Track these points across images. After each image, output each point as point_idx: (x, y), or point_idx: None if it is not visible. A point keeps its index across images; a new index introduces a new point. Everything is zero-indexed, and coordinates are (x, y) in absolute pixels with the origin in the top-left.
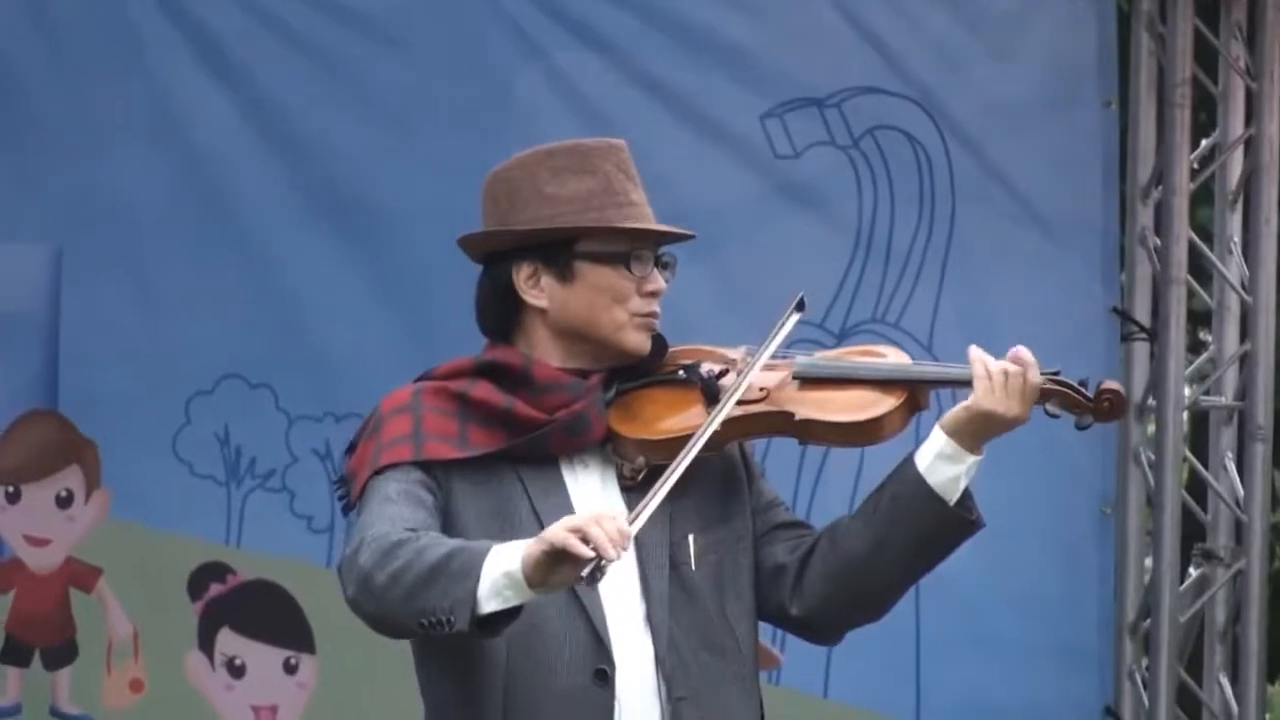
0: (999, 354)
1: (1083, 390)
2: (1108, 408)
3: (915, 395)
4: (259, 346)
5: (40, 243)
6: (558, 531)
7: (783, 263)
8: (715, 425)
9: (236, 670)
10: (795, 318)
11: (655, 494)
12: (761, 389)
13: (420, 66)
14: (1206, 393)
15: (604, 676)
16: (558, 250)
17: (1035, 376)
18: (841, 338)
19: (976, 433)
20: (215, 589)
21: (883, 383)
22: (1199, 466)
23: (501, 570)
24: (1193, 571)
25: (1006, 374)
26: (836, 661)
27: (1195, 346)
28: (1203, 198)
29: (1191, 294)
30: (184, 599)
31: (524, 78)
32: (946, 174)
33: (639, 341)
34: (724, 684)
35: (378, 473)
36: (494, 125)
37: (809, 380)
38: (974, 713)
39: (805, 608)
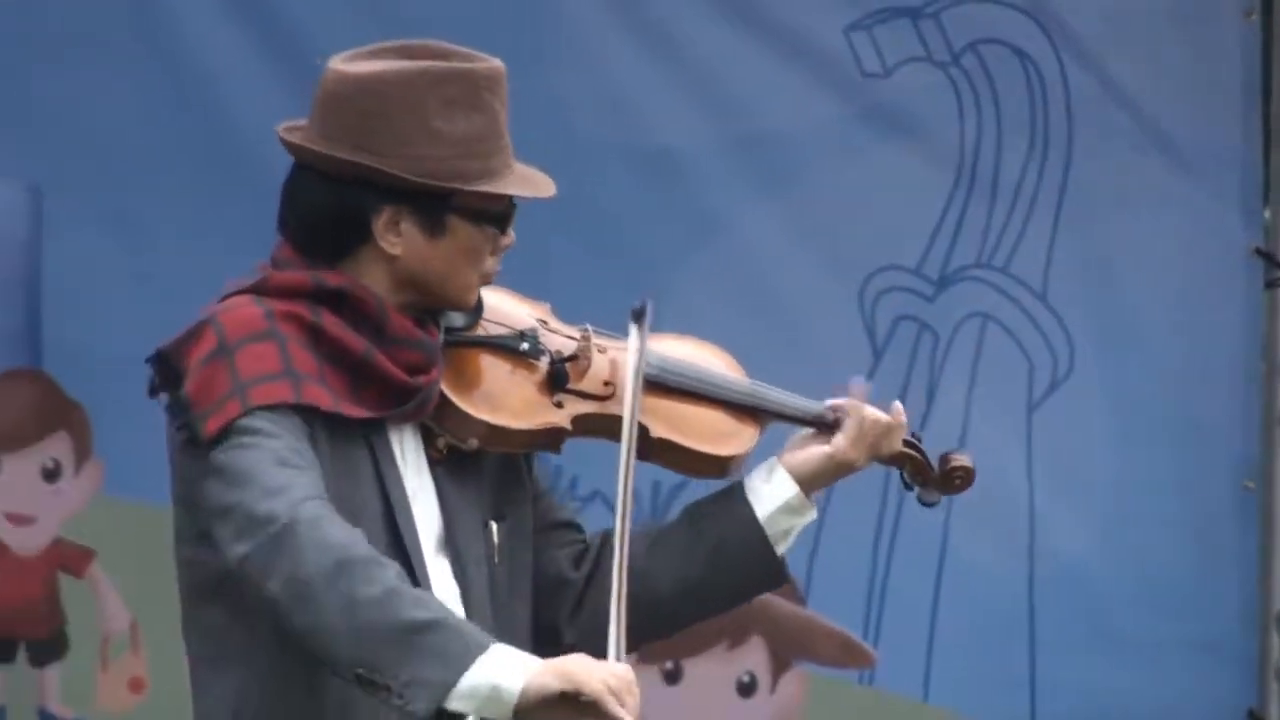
0: (1121, 306)
1: (930, 460)
2: (959, 484)
3: (764, 425)
4: None
5: (15, 179)
6: (590, 678)
7: (871, 198)
8: (631, 451)
9: None
10: (634, 333)
11: (618, 619)
12: (607, 383)
13: None
14: None
15: None
16: (430, 199)
17: (897, 443)
18: (941, 285)
19: (826, 482)
20: None
21: (737, 407)
22: None
23: (490, 681)
24: None
25: (881, 427)
26: (939, 660)
27: None
28: None
29: None
30: None
31: None
32: (1061, 95)
33: (474, 300)
34: None
35: (250, 412)
36: (532, 41)
37: (658, 385)
38: (1096, 719)
39: (583, 636)
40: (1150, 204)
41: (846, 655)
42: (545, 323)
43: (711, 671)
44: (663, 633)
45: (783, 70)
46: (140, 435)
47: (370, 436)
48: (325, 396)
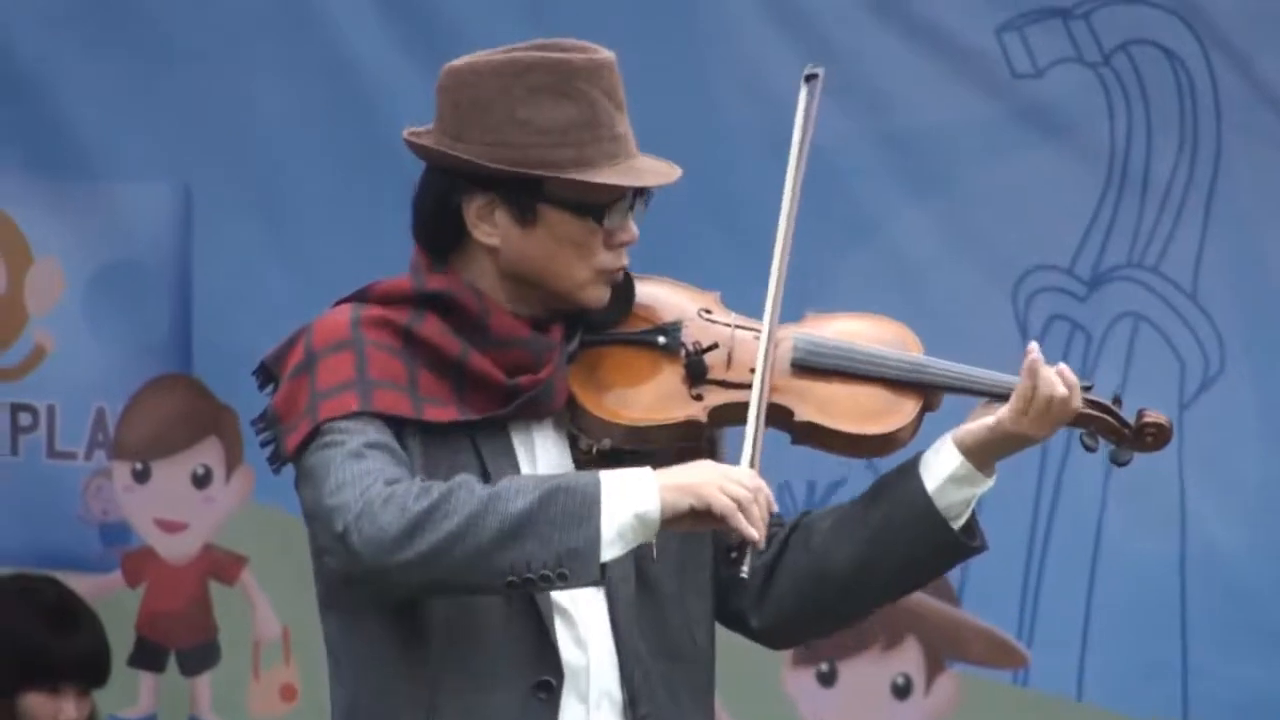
0: (1271, 304)
1: (1124, 418)
2: (1151, 442)
3: (929, 399)
4: None
5: (165, 180)
6: (717, 495)
7: (1023, 198)
8: (759, 431)
9: None
10: (803, 96)
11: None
12: (753, 370)
13: None
14: None
15: (548, 688)
16: (521, 187)
17: (1078, 402)
18: (1093, 285)
19: (997, 453)
20: None
21: (896, 383)
22: None
23: (632, 512)
24: None
25: (1052, 396)
26: (1092, 659)
27: None
28: None
29: None
30: None
31: None
32: (1210, 95)
33: (598, 297)
34: (683, 697)
35: (321, 428)
36: (686, 36)
37: (808, 368)
38: (1253, 717)
39: (769, 621)
40: None
41: (1000, 655)
42: (709, 311)
43: (866, 673)
44: (852, 612)
45: (935, 70)
46: None
47: (478, 439)
48: (403, 402)
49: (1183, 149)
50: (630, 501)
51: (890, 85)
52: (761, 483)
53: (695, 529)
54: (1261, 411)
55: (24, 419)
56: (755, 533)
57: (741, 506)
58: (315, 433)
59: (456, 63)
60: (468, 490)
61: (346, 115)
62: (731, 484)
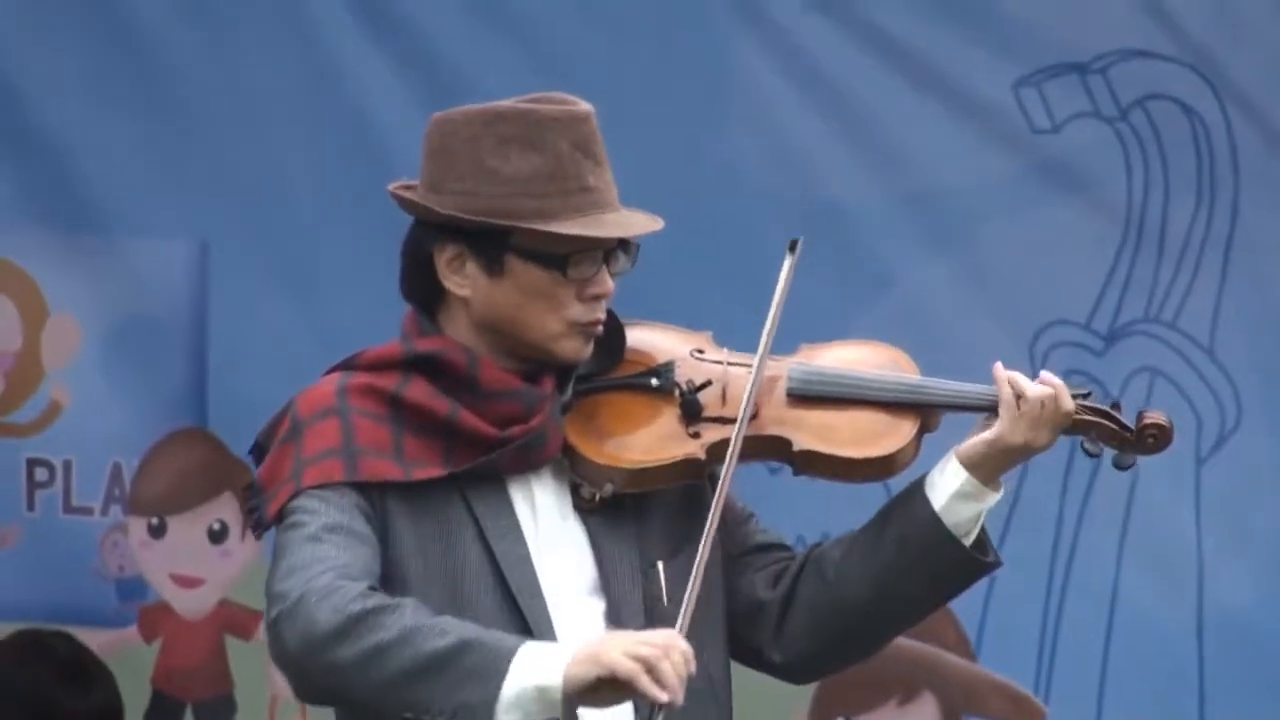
0: None
1: (1124, 421)
2: (1152, 444)
3: (927, 419)
4: None
5: (183, 237)
6: (620, 659)
7: (1040, 253)
8: (731, 469)
9: None
10: (788, 263)
11: (693, 590)
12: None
13: (620, 30)
14: None
15: None
16: (489, 238)
17: (1068, 403)
18: (1110, 340)
19: (1000, 466)
20: None
21: (892, 405)
22: None
23: (533, 683)
24: None
25: (1042, 402)
26: (1109, 712)
27: None
28: None
29: None
30: None
31: (740, 41)
32: (1227, 150)
33: (574, 350)
34: None
35: (301, 493)
36: (705, 97)
37: (804, 397)
38: None
39: (789, 654)
40: None
41: (1017, 710)
42: (701, 351)
43: None
44: (873, 638)
45: (952, 126)
46: None
47: (470, 493)
48: (392, 468)
49: (1200, 204)
50: (535, 673)
51: (908, 141)
52: (676, 640)
53: (613, 700)
54: (1278, 466)
55: (40, 474)
56: (662, 694)
57: (649, 667)
58: (288, 503)
59: (440, 113)
60: (400, 614)
61: (363, 171)
62: (638, 646)
